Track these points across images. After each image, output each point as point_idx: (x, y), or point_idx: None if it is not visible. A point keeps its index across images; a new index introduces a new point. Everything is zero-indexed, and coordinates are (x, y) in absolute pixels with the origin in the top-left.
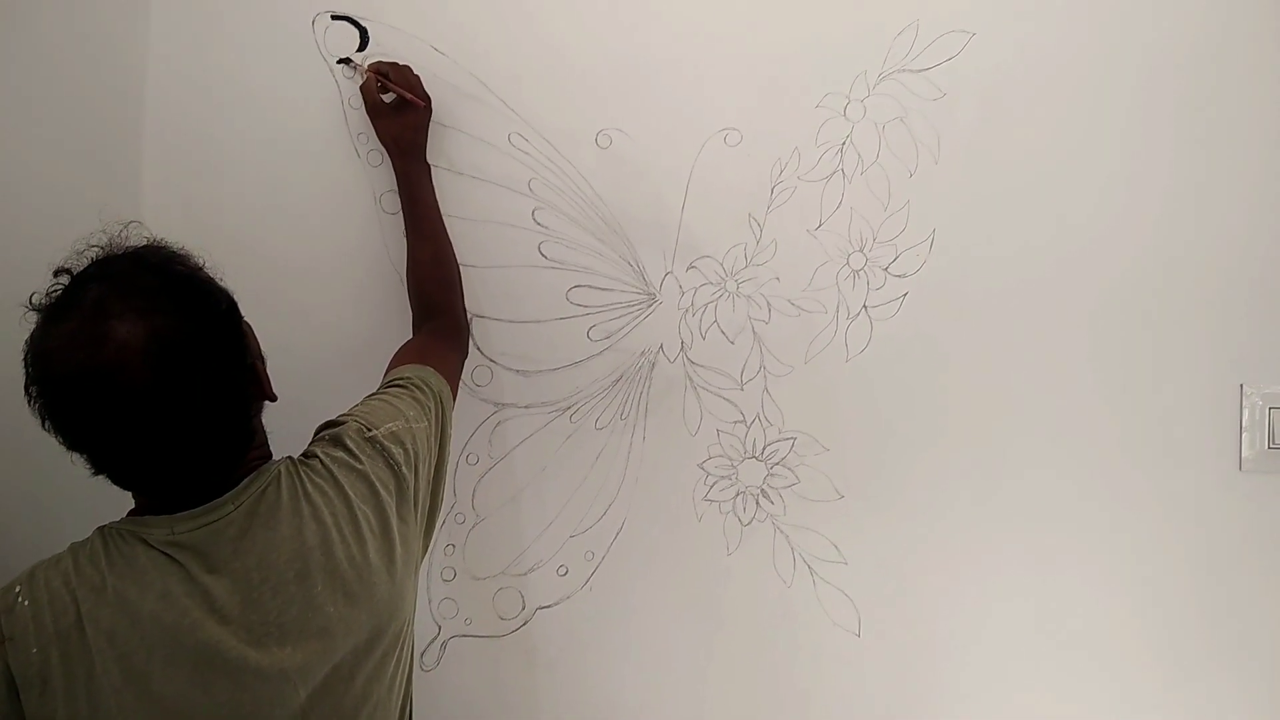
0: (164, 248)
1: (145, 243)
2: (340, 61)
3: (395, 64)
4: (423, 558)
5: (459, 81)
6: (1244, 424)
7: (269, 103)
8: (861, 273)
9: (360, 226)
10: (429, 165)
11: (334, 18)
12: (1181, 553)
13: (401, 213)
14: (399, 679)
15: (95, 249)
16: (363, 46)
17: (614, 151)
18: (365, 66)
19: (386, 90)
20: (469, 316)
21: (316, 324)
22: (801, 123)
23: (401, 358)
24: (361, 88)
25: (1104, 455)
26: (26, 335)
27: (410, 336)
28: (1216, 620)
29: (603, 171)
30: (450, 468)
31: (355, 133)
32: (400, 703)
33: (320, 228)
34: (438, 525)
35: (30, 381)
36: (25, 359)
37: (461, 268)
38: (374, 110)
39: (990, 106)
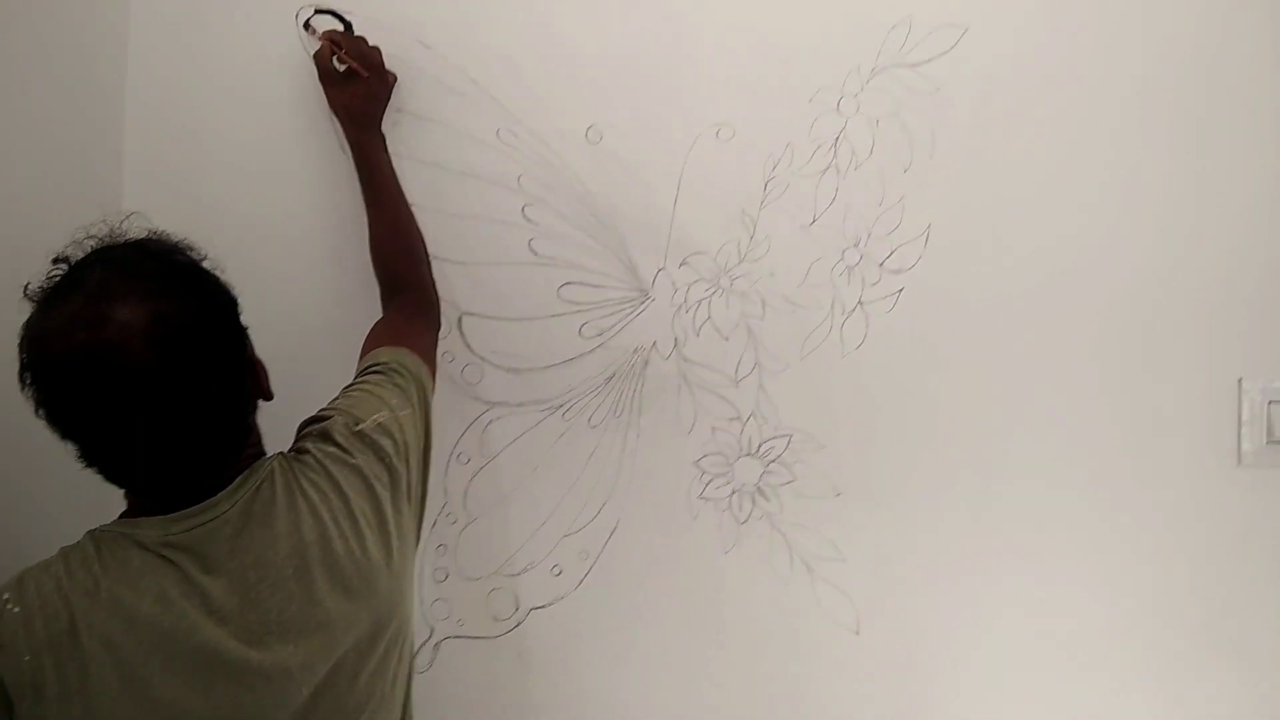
0: (166, 238)
1: (146, 234)
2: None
3: (352, 35)
4: (417, 543)
5: (446, 76)
6: (1243, 418)
7: (252, 97)
8: (857, 268)
9: (345, 222)
10: (383, 136)
11: (318, 11)
12: (1180, 549)
13: (361, 188)
14: (400, 675)
15: (94, 239)
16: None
17: (605, 146)
18: (322, 34)
19: (340, 60)
20: (437, 290)
21: (302, 323)
22: (794, 118)
23: (374, 340)
24: (314, 55)
25: (1102, 451)
26: (17, 328)
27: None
28: (1216, 617)
29: (593, 167)
30: (441, 467)
31: (337, 124)
32: (403, 699)
33: (304, 224)
34: (430, 514)
35: (26, 366)
36: (21, 344)
37: (451, 264)
38: (326, 78)
39: (985, 101)
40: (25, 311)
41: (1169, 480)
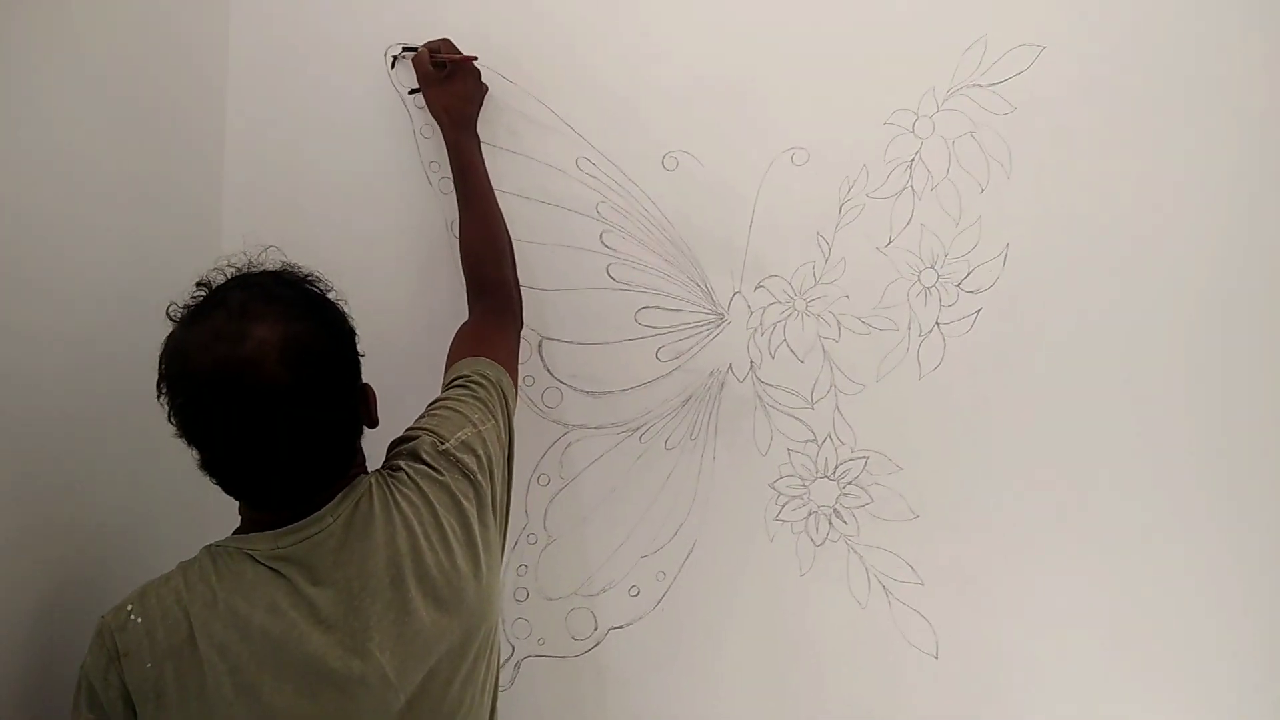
0: (299, 269)
1: (281, 265)
2: (412, 92)
3: (442, 39)
4: (503, 555)
5: (527, 108)
6: None
7: (343, 135)
8: (933, 289)
9: (432, 253)
10: (479, 139)
11: (404, 49)
12: (1276, 565)
13: (454, 188)
14: (489, 683)
15: (234, 268)
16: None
17: (681, 173)
18: (421, 46)
19: (438, 63)
20: (521, 290)
21: (393, 351)
22: (869, 140)
23: (458, 350)
24: (414, 60)
25: (1190, 472)
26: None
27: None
28: None
29: (670, 193)
30: (522, 488)
31: (427, 161)
32: (490, 707)
33: (394, 255)
34: (511, 534)
35: (163, 378)
36: (161, 356)
37: (531, 291)
38: (425, 80)
39: (1062, 120)
40: (139, 330)
41: (1260, 497)
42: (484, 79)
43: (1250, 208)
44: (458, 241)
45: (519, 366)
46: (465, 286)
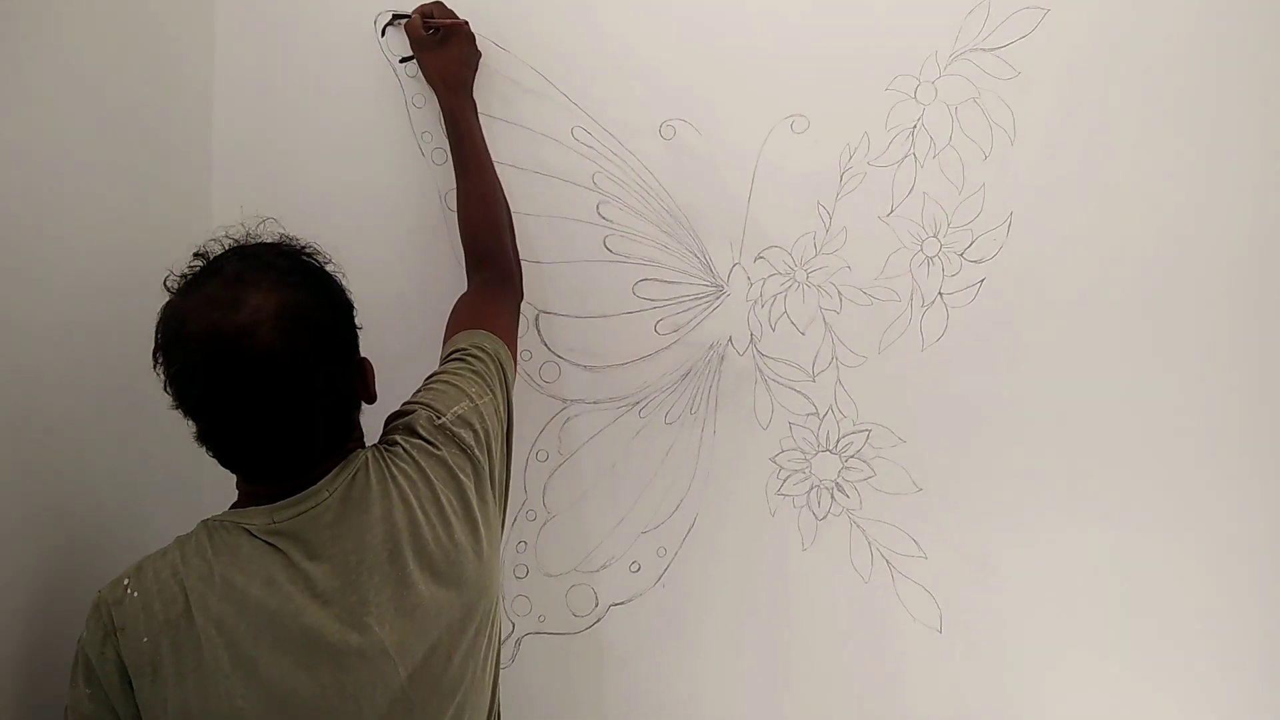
0: (296, 241)
1: (279, 236)
2: (403, 60)
3: (435, 3)
4: (503, 529)
5: (521, 76)
6: None
7: (333, 103)
8: (936, 259)
9: (425, 224)
10: (475, 103)
11: (395, 16)
12: (1278, 542)
13: (450, 156)
14: (490, 658)
15: (231, 239)
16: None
17: (678, 142)
18: (412, 12)
19: (431, 28)
20: (520, 260)
21: (380, 321)
22: (870, 107)
23: (455, 323)
24: (406, 27)
25: (1197, 444)
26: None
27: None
28: None
29: (667, 163)
30: (520, 464)
31: (419, 131)
32: (492, 682)
33: (385, 225)
34: (510, 511)
35: (160, 346)
36: (158, 325)
37: (527, 264)
38: (419, 45)
39: (1067, 84)
40: (131, 307)
41: (1264, 473)
42: (478, 46)
43: (1266, 170)
44: (455, 212)
45: (518, 340)
46: (463, 257)
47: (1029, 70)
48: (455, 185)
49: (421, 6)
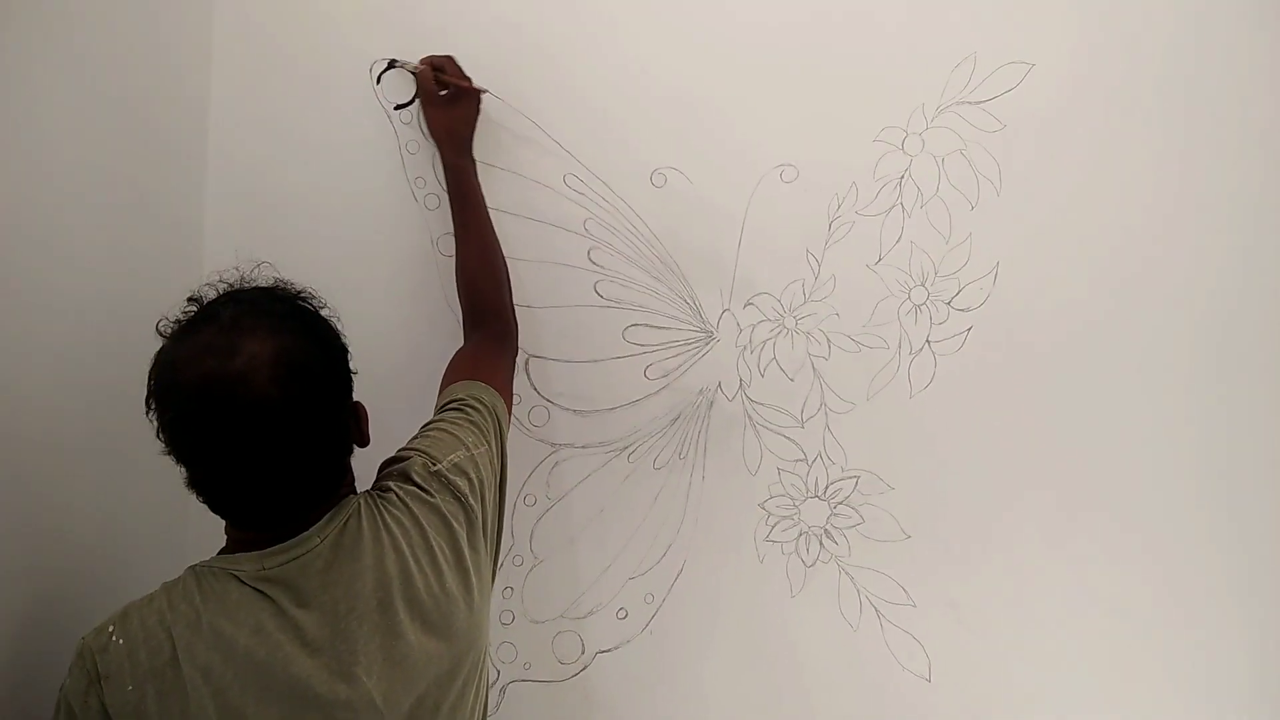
0: (291, 285)
1: (273, 281)
2: (397, 108)
3: (446, 57)
4: (493, 580)
5: (514, 124)
6: None
7: (327, 148)
8: (924, 307)
9: (418, 269)
10: (475, 161)
11: (391, 63)
12: (1269, 584)
13: (451, 212)
14: (478, 710)
15: (225, 283)
16: (416, 95)
17: (669, 190)
18: (418, 62)
19: (442, 84)
20: (517, 318)
21: (376, 367)
22: (859, 157)
23: (453, 373)
24: (419, 77)
25: (1182, 490)
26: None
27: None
28: None
29: (658, 210)
30: (508, 508)
31: (413, 177)
32: None
33: (378, 269)
34: (502, 548)
35: (153, 392)
36: (151, 371)
37: (518, 308)
38: (429, 100)
39: (1052, 137)
40: (120, 344)
41: (1251, 512)
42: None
43: (1242, 223)
44: (455, 266)
45: None
46: (461, 312)
47: (1014, 123)
48: (454, 242)
49: (432, 58)
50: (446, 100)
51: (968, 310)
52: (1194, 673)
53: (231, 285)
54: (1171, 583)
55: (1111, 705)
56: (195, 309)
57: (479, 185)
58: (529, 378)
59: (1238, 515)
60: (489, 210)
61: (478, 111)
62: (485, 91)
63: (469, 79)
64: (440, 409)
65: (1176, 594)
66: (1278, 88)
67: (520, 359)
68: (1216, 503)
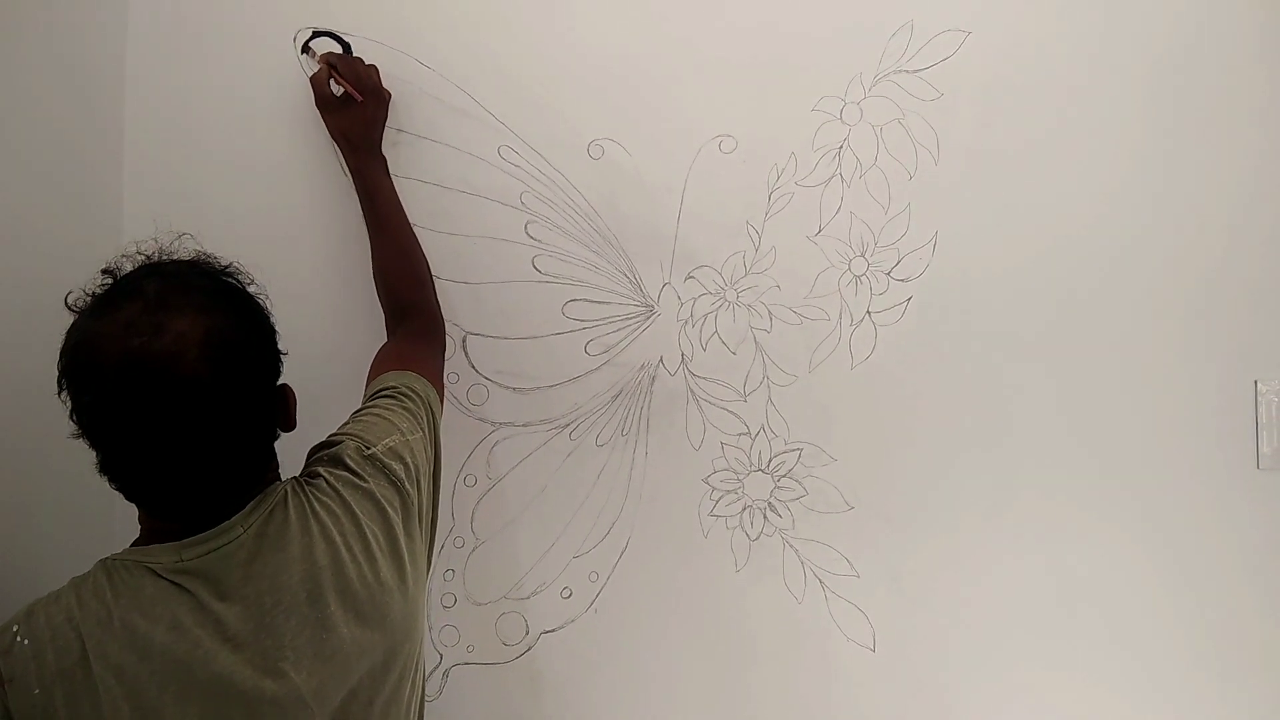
0: (216, 260)
1: (195, 254)
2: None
3: (349, 57)
4: (428, 571)
5: (446, 95)
6: (1260, 421)
7: (251, 117)
8: (864, 278)
9: (347, 244)
10: (384, 158)
11: (315, 33)
12: (1202, 555)
13: (362, 213)
14: (414, 702)
15: (143, 255)
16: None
17: (607, 162)
18: (320, 56)
19: (336, 83)
20: (442, 313)
21: (304, 349)
22: (797, 127)
23: (382, 365)
24: (311, 79)
25: (1119, 458)
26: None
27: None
28: (1241, 621)
29: (596, 183)
30: (448, 490)
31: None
32: None
33: (306, 246)
34: (438, 538)
35: (67, 372)
36: (64, 349)
37: (454, 284)
38: (323, 103)
39: (989, 105)
40: (28, 320)
41: (1187, 485)
42: (401, 66)
43: (1185, 189)
44: (371, 267)
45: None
46: (383, 311)
47: (952, 91)
48: (369, 240)
49: (326, 55)
50: (341, 102)
51: (907, 280)
52: (1134, 639)
53: (150, 257)
54: (1109, 551)
55: (1052, 672)
56: (111, 282)
57: (390, 182)
58: (467, 356)
59: (1173, 484)
60: (418, 181)
61: (384, 114)
62: (363, 99)
63: (377, 81)
64: (371, 397)
65: (1114, 562)
66: (1222, 50)
67: (458, 336)
68: (1154, 470)
